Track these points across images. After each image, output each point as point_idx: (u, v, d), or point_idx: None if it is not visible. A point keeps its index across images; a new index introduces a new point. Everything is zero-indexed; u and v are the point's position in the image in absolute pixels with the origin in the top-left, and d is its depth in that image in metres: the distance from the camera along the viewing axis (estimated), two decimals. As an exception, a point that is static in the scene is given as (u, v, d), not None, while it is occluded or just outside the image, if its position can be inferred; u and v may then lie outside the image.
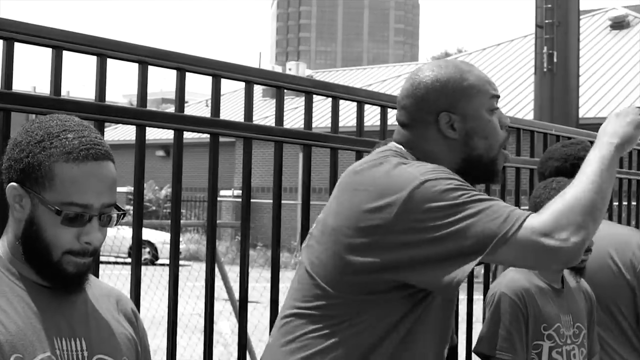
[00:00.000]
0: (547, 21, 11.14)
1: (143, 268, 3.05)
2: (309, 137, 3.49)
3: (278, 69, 42.59)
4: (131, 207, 3.08)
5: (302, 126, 3.52)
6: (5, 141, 2.45)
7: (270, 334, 2.70)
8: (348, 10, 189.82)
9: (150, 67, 2.99)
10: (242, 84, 3.29)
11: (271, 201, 3.42)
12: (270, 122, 3.43)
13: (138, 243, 2.94)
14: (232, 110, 40.08)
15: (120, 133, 39.27)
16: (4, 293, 1.99)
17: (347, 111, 23.47)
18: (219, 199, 31.89)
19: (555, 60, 10.99)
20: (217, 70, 3.15)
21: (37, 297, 2.02)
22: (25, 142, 2.00)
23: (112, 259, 16.38)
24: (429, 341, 2.49)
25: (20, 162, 1.99)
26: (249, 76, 3.26)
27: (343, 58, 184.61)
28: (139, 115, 2.93)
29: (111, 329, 2.14)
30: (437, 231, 2.29)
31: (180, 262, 3.04)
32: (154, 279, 10.39)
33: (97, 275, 2.55)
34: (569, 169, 3.75)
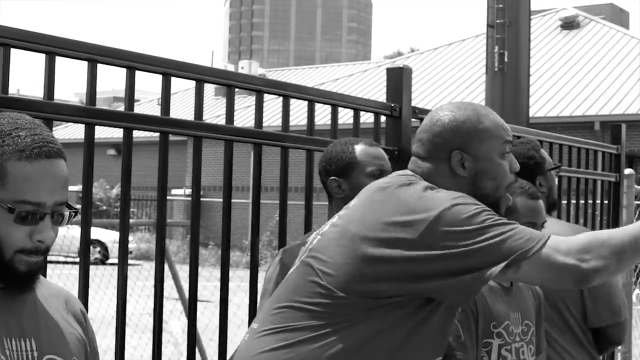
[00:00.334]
0: (498, 21, 11.22)
1: (93, 268, 3.03)
2: (260, 136, 3.49)
3: (231, 67, 42.50)
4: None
5: (254, 125, 3.52)
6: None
7: (254, 321, 2.74)
8: (301, 9, 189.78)
9: (102, 66, 2.97)
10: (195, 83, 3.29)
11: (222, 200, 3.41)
12: (222, 120, 3.42)
13: (86, 242, 2.92)
14: (184, 109, 39.91)
15: (70, 132, 38.96)
16: None
17: (299, 110, 23.47)
18: (170, 198, 31.88)
19: (506, 59, 11.08)
20: (167, 69, 3.13)
21: None
22: None
23: (62, 259, 16.24)
24: (426, 348, 2.59)
25: None
26: (200, 75, 3.25)
27: (296, 57, 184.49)
28: (88, 113, 2.91)
29: (60, 329, 2.12)
30: (462, 248, 2.44)
31: (131, 262, 3.03)
32: (104, 278, 10.31)
33: (45, 275, 2.52)
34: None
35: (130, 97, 3.05)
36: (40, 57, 2.88)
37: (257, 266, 3.51)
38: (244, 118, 31.21)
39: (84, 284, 2.90)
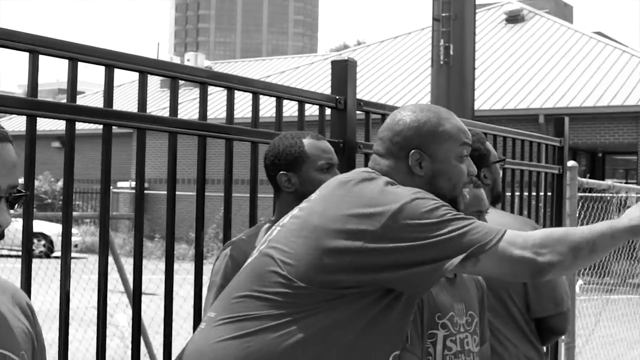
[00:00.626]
0: (443, 14, 11.28)
1: (37, 261, 3.00)
2: (204, 128, 3.47)
3: (176, 60, 42.25)
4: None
5: (199, 117, 3.51)
6: None
7: (210, 310, 2.74)
8: (247, 1, 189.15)
9: (47, 58, 2.94)
10: (142, 75, 3.27)
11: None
12: (167, 113, 3.40)
13: (28, 236, 2.88)
14: (130, 100, 39.66)
15: (14, 124, 38.54)
16: None
17: (245, 102, 23.43)
18: (115, 190, 31.67)
19: (451, 53, 11.14)
20: (110, 60, 3.10)
21: None
22: None
23: (5, 252, 16.06)
24: (384, 340, 2.63)
25: None
26: (143, 66, 3.23)
27: (242, 49, 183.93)
28: (29, 105, 2.87)
29: (8, 322, 2.09)
30: (423, 240, 2.50)
31: (76, 255, 3.00)
32: (49, 271, 10.21)
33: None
34: None
35: (72, 88, 3.02)
36: (-16, 50, 2.84)
37: (202, 259, 3.50)
38: (190, 110, 31.08)
39: (26, 277, 2.87)
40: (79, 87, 3.06)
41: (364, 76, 30.37)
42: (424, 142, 2.77)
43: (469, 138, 2.85)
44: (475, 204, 3.32)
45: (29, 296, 2.83)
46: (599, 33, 33.14)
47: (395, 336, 2.66)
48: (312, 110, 4.24)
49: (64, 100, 3.03)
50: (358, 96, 4.18)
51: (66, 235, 2.99)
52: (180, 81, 3.40)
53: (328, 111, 4.08)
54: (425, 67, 28.68)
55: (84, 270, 11.15)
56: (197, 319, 3.40)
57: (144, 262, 3.35)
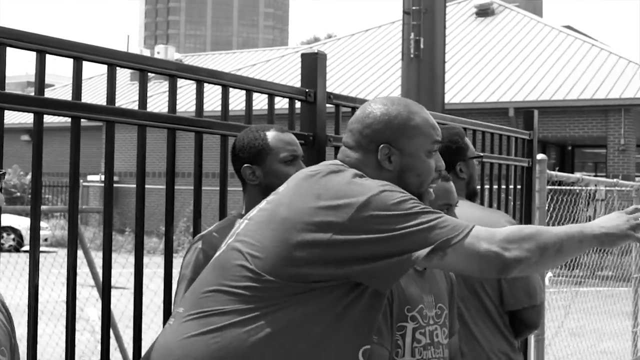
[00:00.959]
0: (414, 8, 11.27)
1: (7, 255, 2.98)
2: (173, 121, 3.46)
3: (146, 52, 42.08)
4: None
5: (168, 110, 3.49)
6: None
7: (179, 305, 2.72)
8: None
9: (14, 50, 2.92)
10: (112, 68, 3.25)
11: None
12: (137, 105, 3.38)
13: (-4, 229, 2.87)
14: (101, 93, 39.46)
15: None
16: None
17: (215, 95, 23.36)
18: (86, 184, 31.51)
19: (422, 46, 11.14)
20: (78, 53, 3.08)
21: None
22: None
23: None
24: (352, 334, 2.61)
25: None
26: (112, 59, 3.21)
27: (213, 42, 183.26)
28: (-4, 97, 2.85)
29: None
30: (389, 232, 2.49)
31: (47, 249, 2.98)
32: (18, 266, 10.16)
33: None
34: (441, 151, 3.82)
35: (40, 81, 3.00)
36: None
37: (172, 252, 3.49)
38: (161, 103, 30.97)
39: (-7, 271, 2.85)
40: (50, 80, 3.04)
41: (334, 69, 30.38)
42: (393, 136, 2.75)
43: (438, 135, 2.84)
44: (444, 197, 3.30)
45: (-3, 290, 2.81)
46: (568, 27, 33.29)
47: (365, 329, 2.65)
48: (282, 104, 4.24)
49: (32, 93, 3.01)
50: (329, 89, 4.18)
51: (34, 229, 2.97)
52: (150, 74, 3.38)
53: (298, 104, 4.08)
54: (395, 60, 28.71)
55: (54, 264, 11.09)
56: (167, 313, 3.39)
57: (115, 256, 3.33)
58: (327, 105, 4.14)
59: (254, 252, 2.56)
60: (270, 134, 3.34)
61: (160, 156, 27.31)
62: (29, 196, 31.49)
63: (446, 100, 13.17)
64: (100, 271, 3.80)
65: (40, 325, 3.01)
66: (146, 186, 3.42)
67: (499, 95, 26.04)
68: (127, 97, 36.99)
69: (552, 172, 6.78)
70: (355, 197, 2.52)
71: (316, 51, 4.11)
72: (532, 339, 6.15)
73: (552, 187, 7.97)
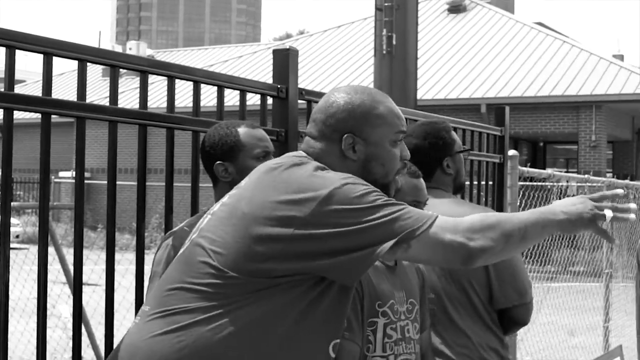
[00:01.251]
0: (386, 4, 11.28)
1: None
2: (144, 117, 3.45)
3: (118, 48, 41.90)
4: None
5: (139, 106, 3.48)
6: None
7: (145, 303, 2.70)
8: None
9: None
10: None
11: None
12: (108, 101, 3.37)
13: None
14: (73, 89, 39.25)
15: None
16: None
17: (187, 92, 23.27)
18: (57, 180, 31.36)
19: (394, 42, 11.15)
20: (49, 48, 3.07)
21: None
22: None
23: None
24: (319, 330, 2.59)
25: None
26: (82, 54, 3.20)
27: (185, 38, 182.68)
28: (-35, 93, 2.83)
29: None
30: (353, 226, 2.46)
31: (18, 246, 2.96)
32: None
33: None
34: (427, 147, 3.83)
35: (10, 76, 2.98)
36: None
37: (143, 249, 3.48)
38: (133, 100, 30.85)
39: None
40: (21, 76, 3.02)
41: (307, 65, 30.37)
42: (357, 125, 2.72)
43: (403, 124, 2.80)
44: (412, 194, 3.29)
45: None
46: (540, 24, 33.45)
47: (333, 324, 2.62)
48: (254, 100, 4.23)
49: (2, 89, 2.99)
50: (301, 86, 4.19)
51: (4, 225, 2.96)
52: (122, 70, 3.37)
53: (270, 100, 4.07)
54: (368, 56, 28.73)
55: (25, 261, 11.02)
56: (138, 310, 3.38)
57: (87, 252, 3.32)
58: (299, 101, 4.14)
59: (216, 248, 2.52)
60: (242, 130, 3.32)
61: (132, 152, 27.23)
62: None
63: (418, 97, 13.21)
64: (72, 268, 3.78)
65: (11, 322, 3.00)
66: (118, 182, 3.41)
67: (471, 91, 26.12)
68: (99, 93, 36.80)
69: (524, 168, 6.80)
70: (317, 190, 2.49)
71: (288, 47, 4.11)
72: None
73: (524, 183, 8.02)
